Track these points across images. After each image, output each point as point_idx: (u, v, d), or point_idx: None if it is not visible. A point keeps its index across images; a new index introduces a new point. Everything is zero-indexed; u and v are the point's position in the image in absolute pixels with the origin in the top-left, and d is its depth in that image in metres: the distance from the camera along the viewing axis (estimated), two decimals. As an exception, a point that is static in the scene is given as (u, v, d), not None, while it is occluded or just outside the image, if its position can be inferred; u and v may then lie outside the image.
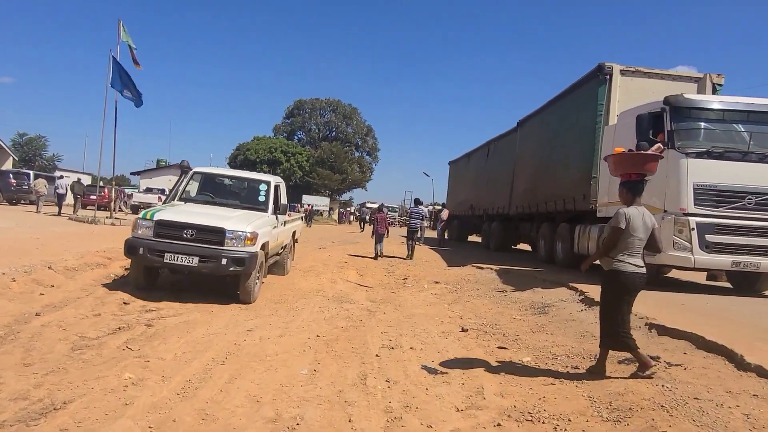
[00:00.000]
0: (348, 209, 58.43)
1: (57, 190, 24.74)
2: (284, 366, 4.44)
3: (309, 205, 43.74)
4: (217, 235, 7.01)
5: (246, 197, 9.13)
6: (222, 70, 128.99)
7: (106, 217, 19.45)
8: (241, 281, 7.22)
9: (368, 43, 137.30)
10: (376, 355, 5.05)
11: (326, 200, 56.96)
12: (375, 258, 14.04)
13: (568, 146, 12.27)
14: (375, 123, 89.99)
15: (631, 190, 4.28)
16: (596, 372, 4.34)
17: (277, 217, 8.77)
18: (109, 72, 18.40)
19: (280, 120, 69.30)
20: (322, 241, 20.18)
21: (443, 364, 4.87)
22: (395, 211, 52.70)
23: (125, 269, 8.50)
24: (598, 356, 4.49)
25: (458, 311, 7.85)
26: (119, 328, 5.42)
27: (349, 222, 49.22)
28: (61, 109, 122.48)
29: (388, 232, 15.03)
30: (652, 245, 4.25)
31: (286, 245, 10.07)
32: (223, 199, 8.88)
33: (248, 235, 7.09)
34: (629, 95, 10.51)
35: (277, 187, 9.18)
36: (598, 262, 4.49)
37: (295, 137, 68.15)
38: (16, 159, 34.85)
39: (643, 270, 4.20)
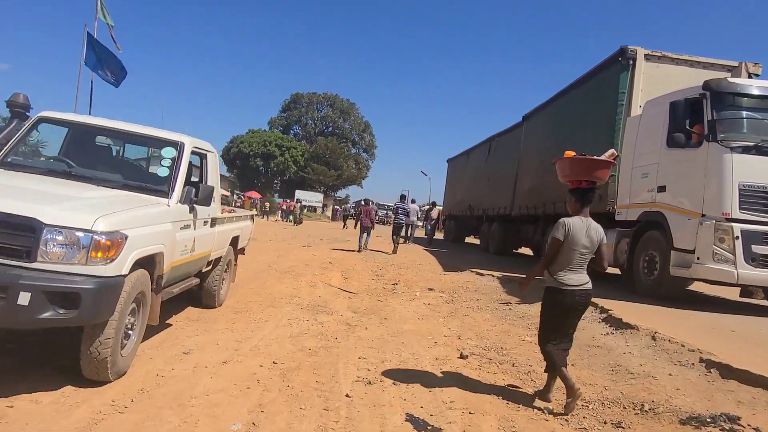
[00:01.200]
0: (343, 206, 57.15)
1: None
2: (210, 416, 3.15)
3: (292, 200, 42.27)
4: (18, 235, 3.19)
5: (132, 171, 5.30)
6: (217, 61, 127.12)
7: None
8: (83, 344, 3.39)
9: (367, 40, 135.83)
10: (347, 395, 3.76)
11: (320, 196, 55.68)
12: (359, 251, 14.26)
13: (581, 141, 10.96)
14: (373, 120, 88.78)
15: (579, 198, 3.90)
16: (542, 397, 3.99)
17: (193, 210, 4.86)
18: (83, 49, 17.02)
19: (276, 113, 68.03)
20: (309, 239, 18.89)
21: (436, 413, 3.59)
22: (388, 209, 51.30)
23: None
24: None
25: (455, 328, 6.57)
26: None
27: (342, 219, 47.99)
28: (51, 95, 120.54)
29: (373, 225, 15.20)
30: (597, 262, 3.89)
31: (216, 260, 6.16)
32: (90, 170, 4.73)
33: (99, 237, 3.26)
34: (653, 84, 9.24)
35: (201, 158, 5.60)
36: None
37: (291, 131, 66.82)
38: (-5, 143, 33.33)
39: (585, 287, 3.83)
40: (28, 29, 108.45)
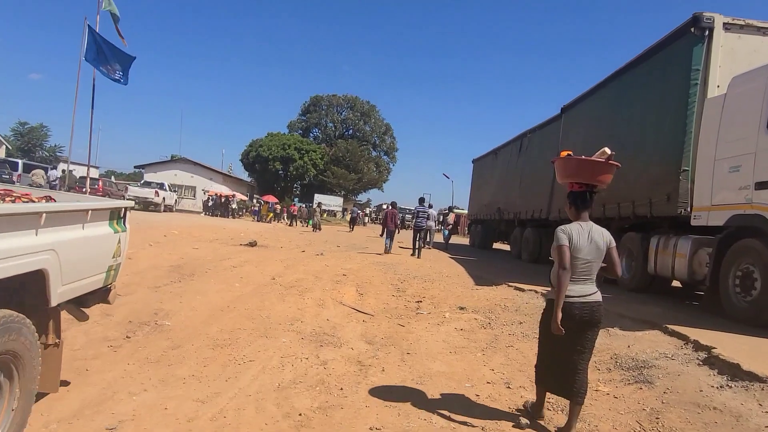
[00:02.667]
0: (363, 210, 55.74)
1: (50, 181, 22.95)
2: None
3: (302, 204, 41.38)
4: None
5: None
6: (237, 65, 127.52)
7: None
8: None
9: (387, 41, 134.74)
10: None
11: (339, 200, 54.33)
12: (385, 253, 14.33)
13: (641, 131, 9.33)
14: (394, 122, 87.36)
15: (575, 202, 3.60)
16: (533, 414, 3.70)
17: None
18: (83, 43, 15.91)
19: (296, 116, 67.02)
20: (326, 246, 17.44)
21: None
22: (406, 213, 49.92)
23: None
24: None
25: (500, 368, 5.03)
26: None
27: (364, 224, 46.54)
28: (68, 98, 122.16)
29: (398, 230, 15.37)
30: (609, 269, 3.53)
31: None
32: None
33: None
34: (735, 59, 7.63)
35: None
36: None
37: (311, 135, 65.69)
38: (10, 148, 32.82)
39: (592, 298, 3.43)
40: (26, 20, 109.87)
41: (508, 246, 22.93)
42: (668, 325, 5.83)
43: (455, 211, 34.09)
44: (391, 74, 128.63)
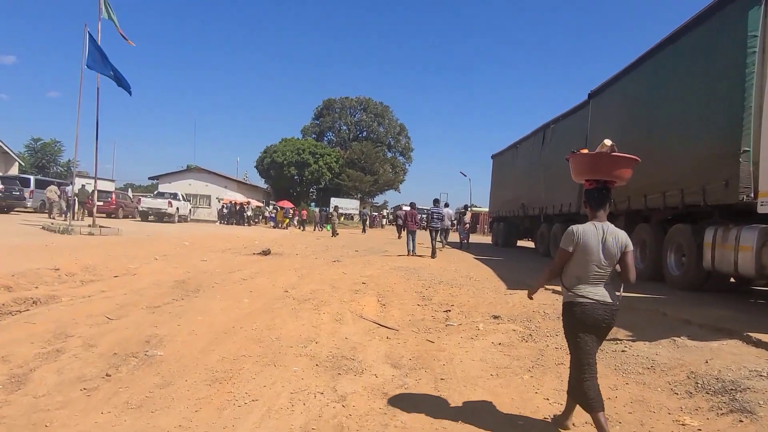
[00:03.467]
0: (380, 212, 54.98)
1: (68, 197, 22.91)
2: None
3: (318, 208, 41.00)
4: None
5: None
6: (248, 73, 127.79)
7: (89, 225, 16.44)
8: None
9: (396, 40, 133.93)
10: None
11: (355, 203, 53.60)
12: (409, 254, 14.68)
13: (688, 110, 8.34)
14: (408, 122, 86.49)
15: (591, 200, 3.37)
16: (559, 423, 3.51)
17: None
18: (85, 50, 15.44)
19: (309, 121, 66.52)
20: (343, 251, 16.69)
21: None
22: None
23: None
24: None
25: (554, 394, 4.18)
26: None
27: (381, 226, 45.76)
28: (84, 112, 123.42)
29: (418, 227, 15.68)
30: (622, 274, 3.28)
31: None
32: None
33: None
34: (798, 22, 6.66)
35: None
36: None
37: (325, 138, 65.16)
38: (23, 164, 32.73)
39: (608, 300, 3.21)
40: (32, 19, 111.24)
41: (533, 243, 22.04)
42: (749, 333, 4.92)
43: (472, 209, 33.50)
44: (402, 73, 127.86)
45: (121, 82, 16.35)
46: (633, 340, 5.49)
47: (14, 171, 30.92)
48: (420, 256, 14.78)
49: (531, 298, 3.99)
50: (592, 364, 3.28)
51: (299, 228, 34.78)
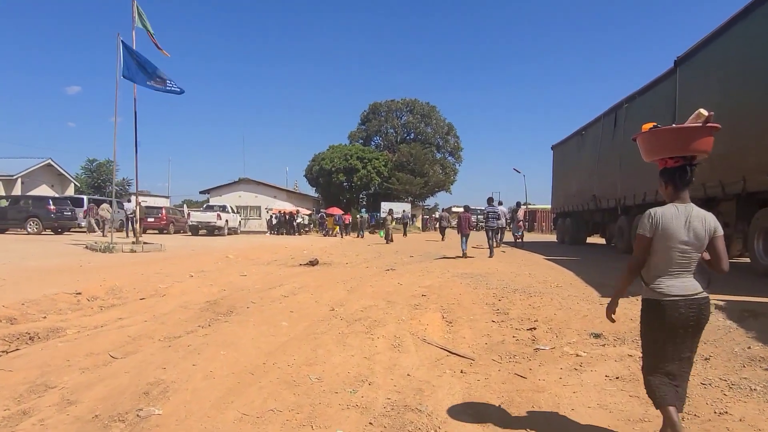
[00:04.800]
0: (433, 215, 53.33)
1: (127, 214, 23.00)
2: None
3: (346, 211, 39.80)
4: None
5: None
6: (293, 83, 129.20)
7: (133, 242, 15.82)
8: None
9: (441, 39, 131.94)
10: None
11: (407, 206, 52.20)
12: (463, 256, 14.22)
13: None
14: (456, 121, 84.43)
15: (670, 180, 2.92)
16: None
17: None
18: (119, 60, 14.83)
19: (356, 126, 65.78)
20: (397, 257, 15.34)
21: None
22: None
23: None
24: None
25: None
26: None
27: (434, 229, 44.07)
28: (142, 134, 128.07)
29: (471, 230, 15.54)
30: (713, 262, 2.83)
31: None
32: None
33: None
34: None
35: None
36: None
37: (372, 143, 64.14)
38: (78, 185, 33.29)
39: (695, 296, 2.76)
40: (92, 50, 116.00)
41: (603, 240, 20.03)
42: None
43: (527, 206, 32.14)
44: (448, 71, 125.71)
45: (167, 86, 15.70)
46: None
47: (70, 191, 31.40)
48: (471, 257, 14.26)
49: (612, 317, 3.11)
50: (667, 365, 2.87)
51: (340, 236, 33.44)
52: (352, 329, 5.94)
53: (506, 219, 18.82)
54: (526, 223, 41.23)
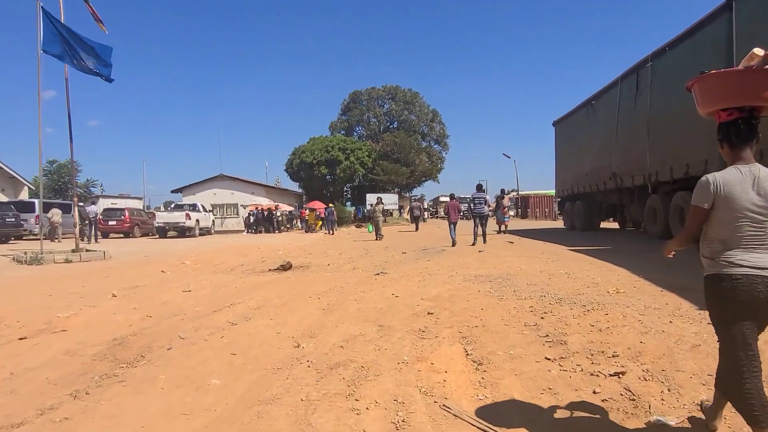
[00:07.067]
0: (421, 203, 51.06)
1: (90, 217, 20.41)
2: None
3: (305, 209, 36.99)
4: None
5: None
6: (269, 75, 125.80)
7: (72, 251, 13.22)
8: None
9: (419, 26, 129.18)
10: None
11: (394, 197, 49.82)
12: (453, 245, 14.12)
13: None
14: (441, 108, 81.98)
15: (725, 138, 2.41)
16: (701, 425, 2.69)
17: None
18: (39, 30, 12.18)
19: (336, 116, 63.14)
20: (387, 254, 12.95)
21: None
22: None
23: None
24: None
25: None
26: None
27: (423, 220, 41.74)
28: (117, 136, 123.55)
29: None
30: None
31: None
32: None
33: None
34: None
35: None
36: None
37: (355, 133, 61.57)
38: (33, 188, 30.33)
39: None
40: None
41: (617, 225, 17.89)
42: None
43: (509, 194, 32.89)
44: (430, 60, 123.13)
45: (98, 64, 13.06)
46: None
47: (25, 196, 28.55)
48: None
49: (667, 255, 2.69)
50: (753, 359, 2.29)
51: (329, 232, 29.75)
52: (324, 388, 3.56)
53: (488, 207, 17.22)
54: (525, 211, 40.26)
